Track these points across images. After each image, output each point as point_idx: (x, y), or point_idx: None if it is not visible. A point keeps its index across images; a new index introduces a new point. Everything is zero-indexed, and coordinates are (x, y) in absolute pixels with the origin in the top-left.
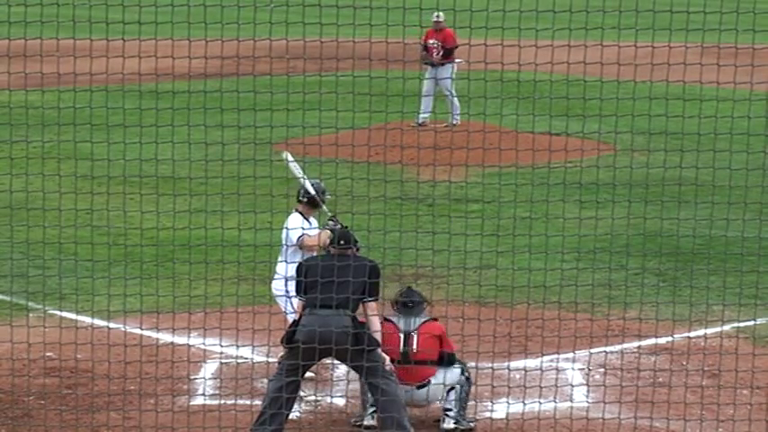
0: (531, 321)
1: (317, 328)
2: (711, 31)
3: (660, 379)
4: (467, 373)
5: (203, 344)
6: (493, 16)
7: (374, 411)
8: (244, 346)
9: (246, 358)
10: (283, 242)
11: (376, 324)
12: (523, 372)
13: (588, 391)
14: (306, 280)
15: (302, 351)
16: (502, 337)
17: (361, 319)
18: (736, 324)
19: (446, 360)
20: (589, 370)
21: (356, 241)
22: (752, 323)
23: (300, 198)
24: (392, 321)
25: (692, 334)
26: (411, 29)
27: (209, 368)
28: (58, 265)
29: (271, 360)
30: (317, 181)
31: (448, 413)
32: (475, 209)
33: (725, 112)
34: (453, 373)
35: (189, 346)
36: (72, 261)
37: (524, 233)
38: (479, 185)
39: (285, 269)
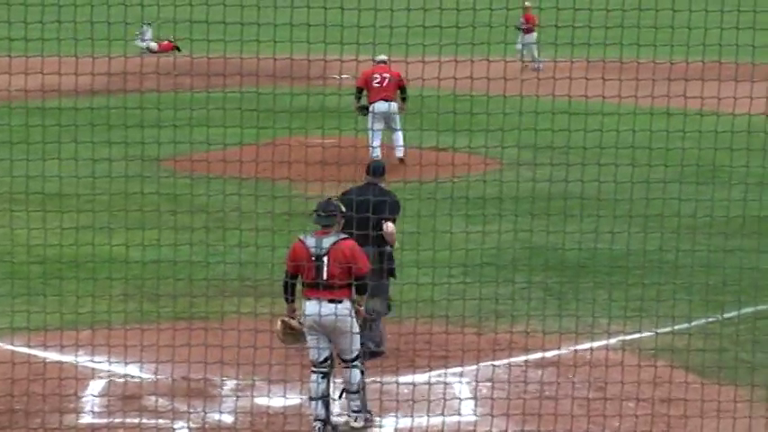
0: (418, 336)
1: None
2: (596, 45)
3: (547, 392)
4: (362, 367)
5: (91, 361)
6: (380, 33)
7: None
8: (132, 363)
9: (134, 376)
10: None
11: None
12: (412, 386)
13: (476, 405)
14: None
15: None
16: (391, 351)
17: None
18: (621, 337)
19: (357, 287)
20: (477, 384)
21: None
22: (637, 336)
23: None
24: (303, 241)
25: (579, 347)
26: (298, 44)
27: (97, 386)
28: None
29: (158, 377)
30: None
31: (357, 413)
32: None
33: (610, 125)
34: (356, 375)
35: (76, 363)
36: None
37: (412, 248)
38: None
39: None
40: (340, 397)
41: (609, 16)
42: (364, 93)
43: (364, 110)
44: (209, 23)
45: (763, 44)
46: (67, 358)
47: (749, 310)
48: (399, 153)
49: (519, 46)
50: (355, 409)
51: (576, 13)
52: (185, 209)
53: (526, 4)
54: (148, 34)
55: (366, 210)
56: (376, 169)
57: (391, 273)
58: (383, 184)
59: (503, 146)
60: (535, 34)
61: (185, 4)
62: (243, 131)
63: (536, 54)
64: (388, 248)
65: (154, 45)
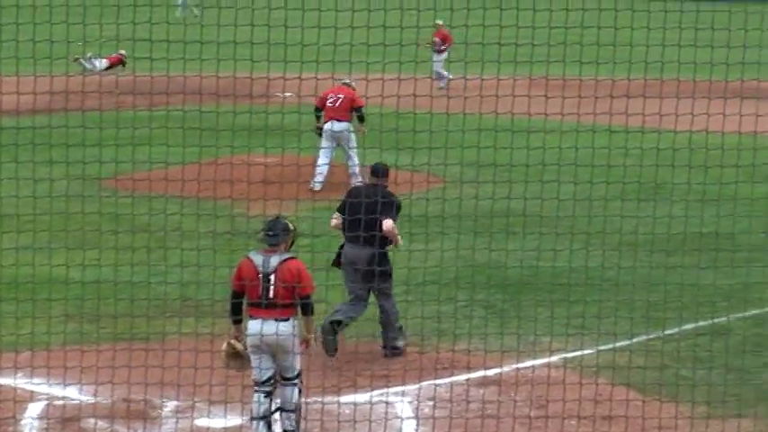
0: (360, 355)
1: None
2: (539, 62)
3: (489, 410)
4: (301, 386)
5: (30, 383)
6: (324, 50)
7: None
8: (71, 385)
9: (74, 398)
10: None
11: None
12: (353, 406)
13: (418, 424)
14: None
15: None
16: (332, 371)
17: None
18: (563, 355)
19: (302, 306)
20: (419, 403)
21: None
22: (579, 353)
23: None
24: (251, 259)
25: (521, 365)
26: (241, 62)
27: (36, 408)
28: None
29: (98, 399)
30: None
31: None
32: (305, 243)
33: (552, 143)
34: (294, 394)
35: (15, 386)
36: None
37: None
38: (309, 219)
39: None
40: (273, 413)
41: (552, 33)
42: (323, 113)
43: (319, 130)
44: (153, 42)
45: (705, 61)
46: (6, 381)
47: (690, 326)
48: (353, 179)
49: (436, 64)
50: (289, 428)
51: (518, 30)
52: (126, 229)
53: (437, 22)
54: (95, 58)
55: (360, 211)
56: (376, 171)
57: (388, 274)
58: (385, 185)
59: (446, 163)
60: (445, 54)
61: (128, 23)
62: (185, 150)
63: (443, 71)
64: (379, 251)
65: (103, 62)
